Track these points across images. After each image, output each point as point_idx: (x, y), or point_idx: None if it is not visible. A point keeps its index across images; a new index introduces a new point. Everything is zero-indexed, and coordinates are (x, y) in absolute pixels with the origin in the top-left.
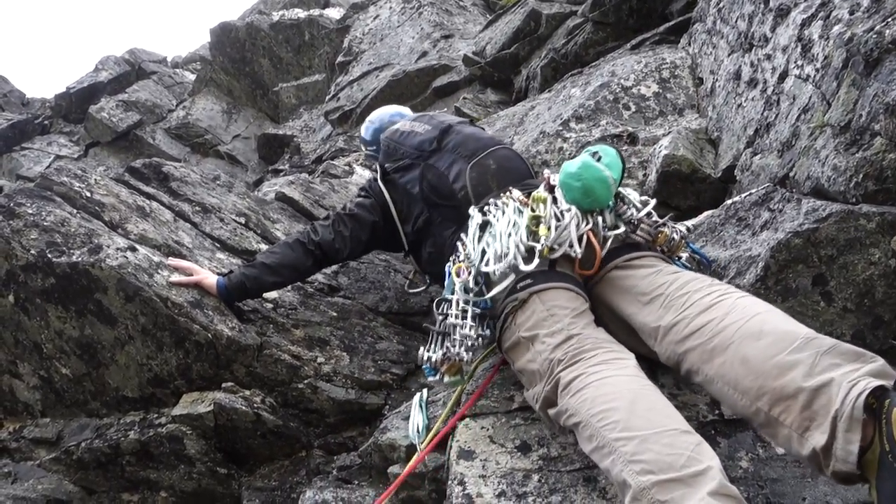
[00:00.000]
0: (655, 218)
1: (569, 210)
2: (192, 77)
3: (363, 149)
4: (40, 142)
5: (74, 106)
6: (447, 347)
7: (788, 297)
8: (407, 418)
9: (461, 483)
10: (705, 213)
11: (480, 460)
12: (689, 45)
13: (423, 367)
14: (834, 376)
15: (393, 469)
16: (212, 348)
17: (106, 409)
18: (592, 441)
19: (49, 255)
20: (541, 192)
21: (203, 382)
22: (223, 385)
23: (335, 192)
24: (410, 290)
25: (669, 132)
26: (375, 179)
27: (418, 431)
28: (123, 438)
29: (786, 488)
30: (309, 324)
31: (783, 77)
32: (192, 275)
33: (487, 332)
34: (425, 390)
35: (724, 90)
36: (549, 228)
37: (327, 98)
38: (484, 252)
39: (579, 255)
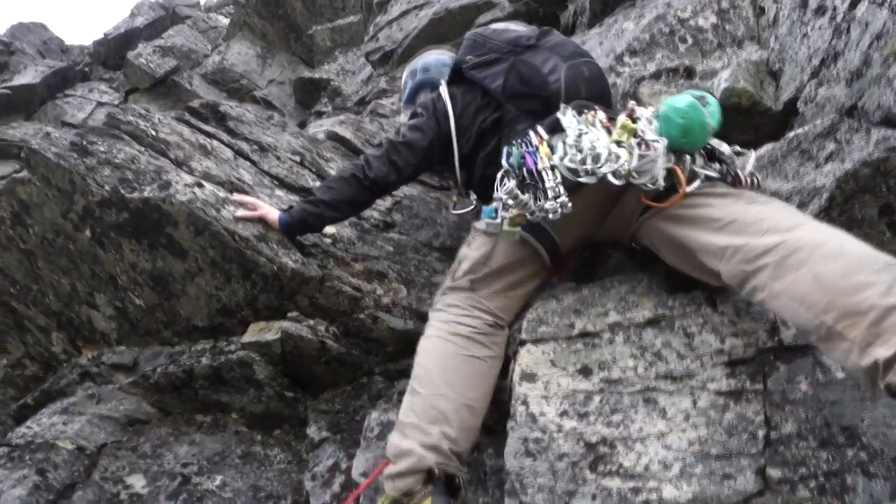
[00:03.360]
0: (749, 171)
1: (657, 141)
2: (226, 21)
3: (413, 79)
4: (82, 89)
5: (112, 52)
6: (527, 197)
7: (853, 227)
8: None
9: (524, 403)
10: (766, 147)
11: (542, 382)
12: None
13: (488, 207)
14: None
15: None
16: (277, 280)
17: (177, 338)
18: None
19: (122, 191)
20: (627, 120)
21: (268, 313)
22: (288, 314)
23: (385, 131)
24: (456, 211)
25: (729, 65)
26: (436, 95)
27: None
28: (196, 364)
29: (845, 410)
30: (367, 258)
31: (855, 3)
32: (256, 210)
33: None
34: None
35: (789, 19)
36: (630, 155)
37: (366, 39)
38: (571, 149)
39: (661, 188)
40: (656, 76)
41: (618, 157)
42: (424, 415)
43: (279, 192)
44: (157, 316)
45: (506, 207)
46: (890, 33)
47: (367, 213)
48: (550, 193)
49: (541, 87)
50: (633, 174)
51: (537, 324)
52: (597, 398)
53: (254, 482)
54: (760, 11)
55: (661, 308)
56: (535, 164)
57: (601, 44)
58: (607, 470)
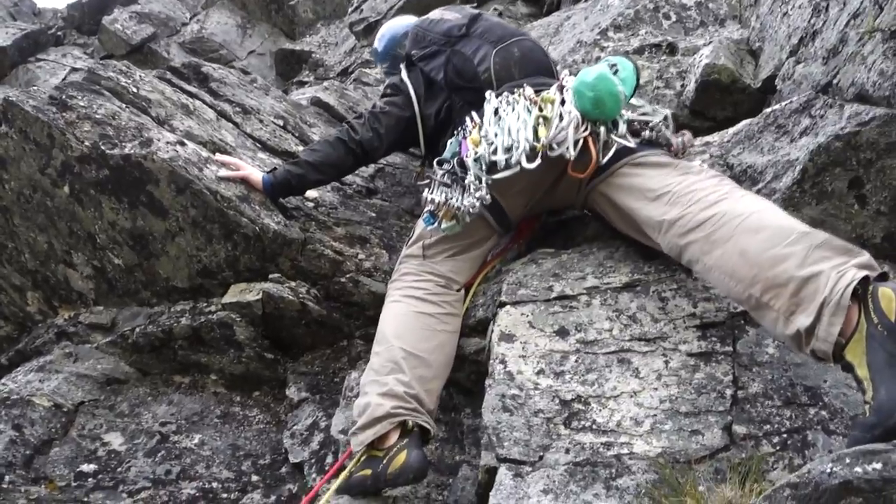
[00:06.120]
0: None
1: (569, 113)
2: None
3: (379, 66)
4: (55, 53)
5: (87, 17)
6: (449, 196)
7: (823, 199)
8: None
9: (503, 362)
10: (743, 122)
11: (520, 342)
12: None
13: (423, 216)
14: (823, 268)
15: None
16: (259, 241)
17: (156, 299)
18: None
19: (102, 147)
20: (551, 92)
21: (249, 274)
22: (270, 276)
23: (369, 98)
24: (420, 183)
25: (710, 42)
26: (399, 76)
27: None
28: (176, 324)
29: (808, 372)
30: (349, 223)
31: None
32: (239, 170)
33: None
34: None
35: None
36: (547, 129)
37: (350, 10)
38: (492, 140)
39: (572, 157)
40: (639, 52)
41: (516, 147)
42: (381, 369)
43: (261, 155)
44: (136, 276)
45: (437, 210)
46: (867, 12)
47: (349, 178)
48: (471, 188)
49: (473, 78)
50: (553, 146)
51: (517, 286)
52: (573, 358)
53: (233, 441)
54: None
55: (637, 273)
56: (466, 152)
57: (586, 18)
58: (581, 426)
